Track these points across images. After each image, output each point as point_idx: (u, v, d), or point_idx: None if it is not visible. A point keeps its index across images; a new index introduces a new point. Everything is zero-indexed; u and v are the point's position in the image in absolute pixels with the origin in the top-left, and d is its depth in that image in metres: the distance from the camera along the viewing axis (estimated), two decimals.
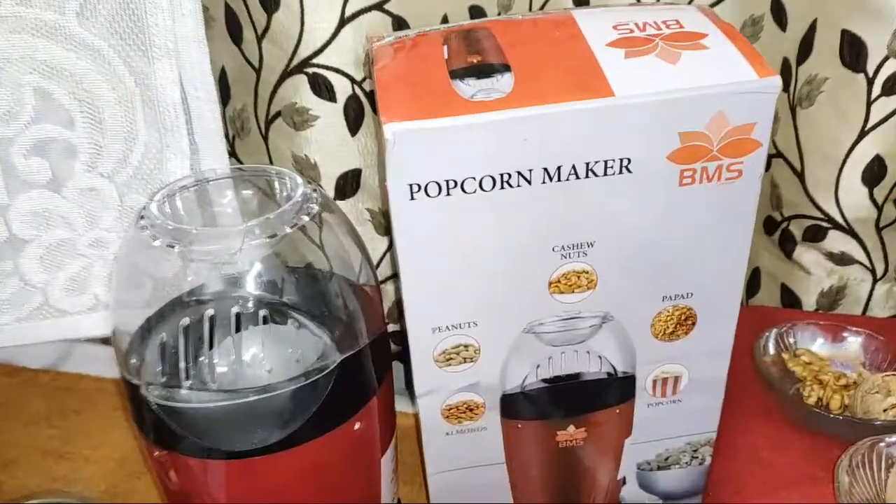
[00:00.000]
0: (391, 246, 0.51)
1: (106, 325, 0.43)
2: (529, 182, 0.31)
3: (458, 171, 0.30)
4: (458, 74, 0.31)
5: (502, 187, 0.31)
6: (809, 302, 0.54)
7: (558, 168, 0.31)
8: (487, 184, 0.31)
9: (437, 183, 0.30)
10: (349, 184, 0.49)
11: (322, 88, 0.45)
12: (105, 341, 0.59)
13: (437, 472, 0.38)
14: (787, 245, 0.54)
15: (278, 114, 0.47)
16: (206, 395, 0.31)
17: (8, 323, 0.42)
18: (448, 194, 0.31)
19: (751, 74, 0.30)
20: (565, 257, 0.33)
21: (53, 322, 0.43)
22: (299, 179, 0.34)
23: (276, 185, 0.35)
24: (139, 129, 0.40)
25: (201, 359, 0.31)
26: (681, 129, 0.30)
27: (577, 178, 0.31)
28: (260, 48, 0.45)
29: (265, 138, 0.48)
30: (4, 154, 0.39)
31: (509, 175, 0.31)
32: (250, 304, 0.32)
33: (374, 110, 0.46)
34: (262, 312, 0.32)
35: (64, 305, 0.42)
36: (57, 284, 0.42)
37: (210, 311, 0.31)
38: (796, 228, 0.52)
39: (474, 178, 0.30)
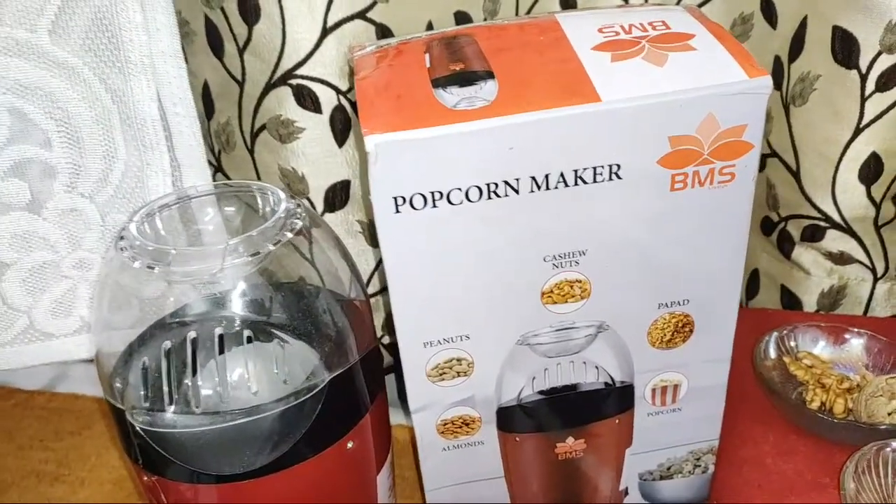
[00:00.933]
0: None
1: (93, 347, 0.43)
2: (517, 191, 0.30)
3: (443, 183, 0.30)
4: (440, 83, 0.30)
5: (489, 197, 0.30)
6: (810, 302, 0.53)
7: (546, 176, 0.30)
8: (474, 194, 0.30)
9: (422, 195, 0.30)
10: (338, 195, 0.48)
11: (307, 100, 0.45)
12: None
13: (435, 487, 0.38)
14: (785, 245, 0.53)
15: (263, 127, 0.46)
16: (191, 418, 0.30)
17: None
18: (434, 206, 0.30)
19: (741, 75, 0.29)
20: (557, 266, 0.32)
21: (39, 345, 0.42)
22: (282, 194, 0.33)
23: (260, 200, 0.34)
24: (118, 148, 0.39)
25: (186, 382, 0.30)
26: (670, 133, 0.30)
27: (566, 185, 0.30)
28: (242, 61, 0.44)
29: (251, 152, 0.48)
30: None
31: (496, 185, 0.30)
32: (235, 324, 0.31)
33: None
34: (246, 332, 0.31)
35: (49, 328, 0.42)
36: (41, 307, 0.41)
37: (193, 333, 0.31)
38: (794, 228, 0.52)
39: (460, 189, 0.30)
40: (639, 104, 0.29)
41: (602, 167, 0.30)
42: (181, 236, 0.33)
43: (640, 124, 0.29)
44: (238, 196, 0.35)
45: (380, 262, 0.51)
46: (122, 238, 0.31)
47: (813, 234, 0.51)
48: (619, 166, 0.30)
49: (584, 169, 0.30)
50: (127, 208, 0.40)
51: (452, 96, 0.30)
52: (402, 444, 0.47)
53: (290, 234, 0.31)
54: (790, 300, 0.54)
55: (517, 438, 0.36)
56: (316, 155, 0.46)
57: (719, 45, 0.30)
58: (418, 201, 0.30)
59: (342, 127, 0.46)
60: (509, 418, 0.36)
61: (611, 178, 0.30)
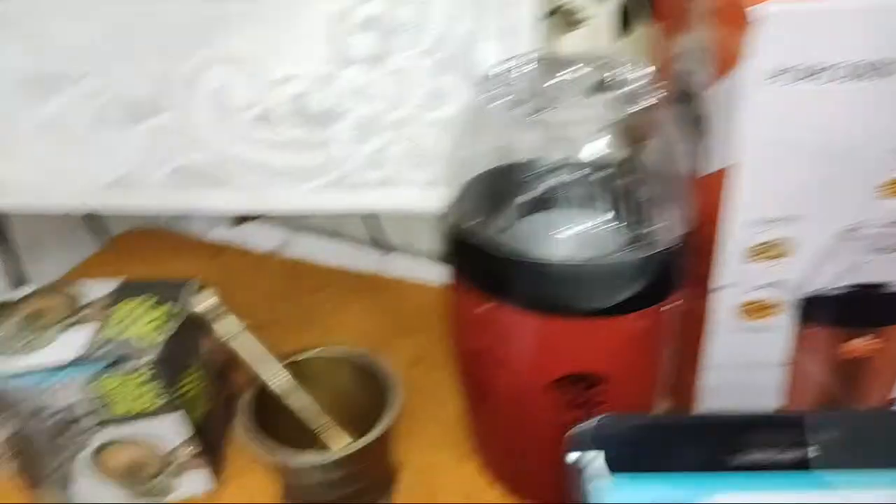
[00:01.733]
0: None
1: (399, 201, 0.46)
2: (887, 76, 0.30)
3: (814, 60, 0.30)
4: None
5: (858, 79, 0.30)
6: None
7: None
8: (844, 74, 0.30)
9: (791, 70, 0.30)
10: None
11: None
12: (328, 234, 0.63)
13: (713, 366, 0.39)
14: None
15: (548, 13, 0.47)
16: (537, 257, 0.32)
17: (310, 190, 0.45)
18: (801, 83, 0.30)
19: None
20: None
21: (348, 194, 0.46)
22: (643, 67, 0.34)
23: (610, 69, 0.35)
24: (459, 11, 0.41)
25: (531, 222, 0.32)
26: None
27: None
28: None
29: (535, 39, 0.49)
30: (334, 28, 0.42)
31: (867, 67, 0.30)
32: (585, 180, 0.33)
33: (650, 12, 0.46)
34: (595, 190, 0.33)
35: (363, 178, 0.45)
36: (359, 158, 0.44)
37: (546, 183, 0.33)
38: None
39: (830, 68, 0.30)
40: None
41: None
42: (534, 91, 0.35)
43: None
44: (587, 63, 0.35)
45: None
46: (487, 85, 0.33)
47: None
48: None
49: None
50: (457, 70, 0.42)
51: None
52: None
53: (648, 101, 0.32)
54: None
55: (811, 329, 0.37)
56: (599, 44, 0.47)
57: None
58: (789, 76, 0.30)
59: (626, 17, 0.46)
60: (810, 308, 0.36)
61: None
